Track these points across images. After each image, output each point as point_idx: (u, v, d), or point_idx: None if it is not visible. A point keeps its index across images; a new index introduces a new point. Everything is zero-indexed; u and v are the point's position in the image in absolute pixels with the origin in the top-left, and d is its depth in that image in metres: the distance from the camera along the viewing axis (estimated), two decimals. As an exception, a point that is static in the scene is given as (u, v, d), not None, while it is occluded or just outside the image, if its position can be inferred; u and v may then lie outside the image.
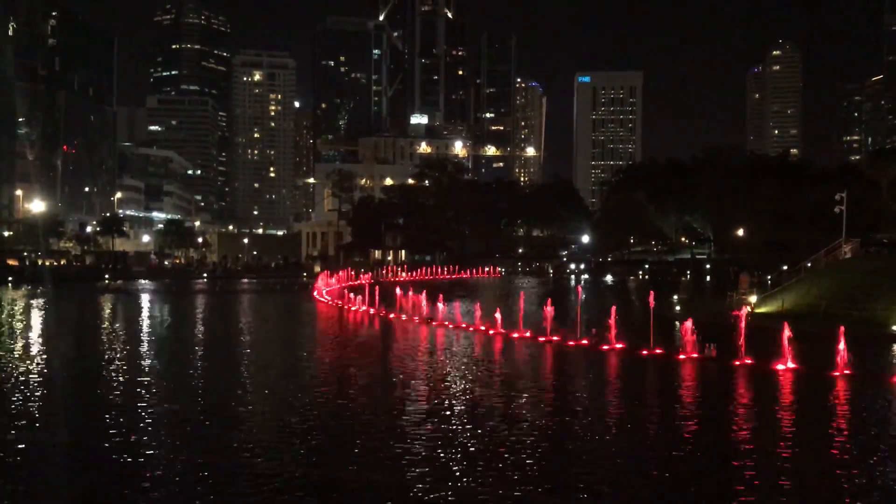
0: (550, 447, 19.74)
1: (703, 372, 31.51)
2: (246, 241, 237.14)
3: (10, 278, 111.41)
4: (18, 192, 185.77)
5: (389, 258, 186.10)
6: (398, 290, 58.79)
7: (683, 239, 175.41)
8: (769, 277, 63.31)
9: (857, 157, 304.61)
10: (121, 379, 30.29)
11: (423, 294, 55.75)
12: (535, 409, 24.26)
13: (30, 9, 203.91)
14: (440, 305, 51.35)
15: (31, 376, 29.98)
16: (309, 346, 41.93)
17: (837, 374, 29.60)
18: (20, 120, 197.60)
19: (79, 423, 22.64)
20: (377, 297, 60.68)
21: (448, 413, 23.44)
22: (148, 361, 34.98)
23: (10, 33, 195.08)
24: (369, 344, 43.20)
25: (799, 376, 30.12)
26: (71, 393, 27.33)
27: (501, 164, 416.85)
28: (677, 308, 58.65)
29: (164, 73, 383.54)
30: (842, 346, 29.96)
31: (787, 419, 23.50)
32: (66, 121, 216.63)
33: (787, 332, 31.62)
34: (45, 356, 36.58)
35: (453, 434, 20.72)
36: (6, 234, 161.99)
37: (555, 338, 40.45)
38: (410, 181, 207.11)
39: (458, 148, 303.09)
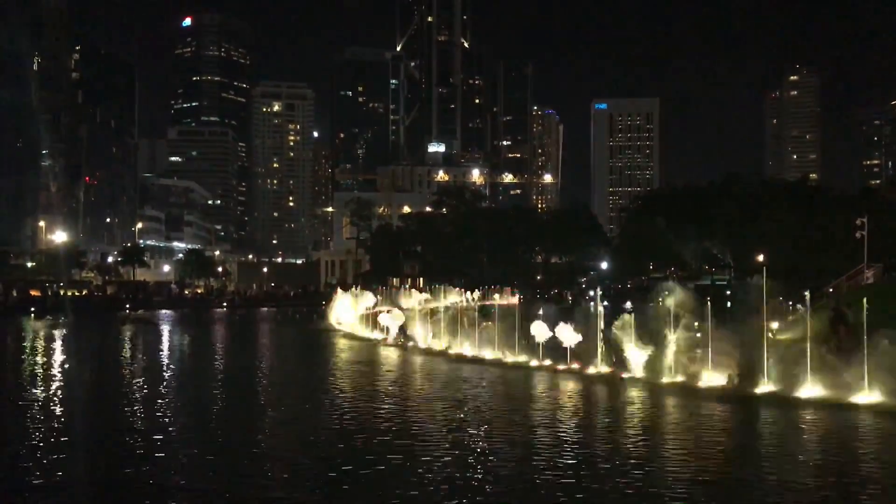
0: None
1: (725, 401, 31.26)
2: (265, 269, 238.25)
3: (32, 309, 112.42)
4: (41, 224, 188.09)
5: (408, 286, 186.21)
6: (417, 318, 58.81)
7: (704, 265, 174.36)
8: (790, 303, 62.67)
9: (878, 182, 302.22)
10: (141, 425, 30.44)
11: (441, 322, 55.65)
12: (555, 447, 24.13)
13: (54, 43, 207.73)
14: (459, 334, 51.29)
15: (51, 407, 30.18)
16: (329, 378, 41.99)
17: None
18: (44, 152, 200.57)
19: (101, 458, 22.73)
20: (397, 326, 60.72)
21: (466, 444, 23.32)
22: (170, 397, 35.12)
23: (35, 68, 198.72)
24: (389, 377, 43.13)
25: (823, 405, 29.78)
26: (87, 434, 26.53)
27: (519, 192, 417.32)
28: (698, 335, 58.14)
29: (185, 105, 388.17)
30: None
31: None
32: (89, 153, 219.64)
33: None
34: (66, 390, 36.84)
35: (474, 466, 20.63)
36: (29, 264, 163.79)
37: (575, 366, 40.30)
38: (428, 209, 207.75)
39: (476, 175, 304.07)
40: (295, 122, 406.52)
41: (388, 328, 60.37)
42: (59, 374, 42.14)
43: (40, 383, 37.81)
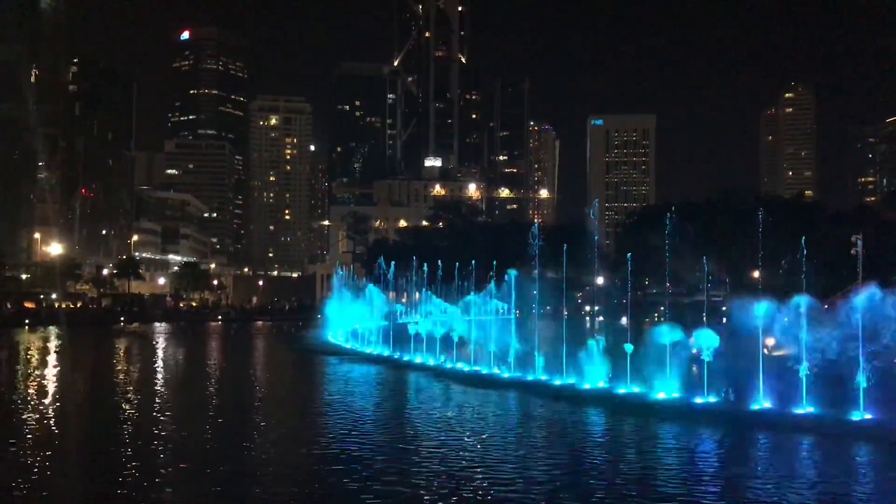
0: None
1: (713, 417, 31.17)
2: (261, 283, 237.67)
3: (27, 321, 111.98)
4: (37, 236, 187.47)
5: (403, 299, 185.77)
6: (414, 333, 58.77)
7: (699, 282, 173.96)
8: (786, 319, 62.58)
9: (873, 199, 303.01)
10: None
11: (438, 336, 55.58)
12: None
13: (52, 56, 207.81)
14: (454, 348, 51.22)
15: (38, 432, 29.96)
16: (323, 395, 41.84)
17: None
18: (40, 164, 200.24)
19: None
20: (392, 340, 60.65)
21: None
22: (162, 415, 34.94)
23: (33, 80, 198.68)
24: (384, 397, 42.96)
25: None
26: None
27: (515, 206, 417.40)
28: (693, 350, 58.08)
29: (182, 118, 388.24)
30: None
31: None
32: (85, 165, 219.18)
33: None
34: (52, 406, 36.60)
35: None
36: (24, 276, 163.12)
37: (570, 381, 40.20)
38: (425, 223, 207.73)
39: (472, 190, 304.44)
40: (292, 136, 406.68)
41: None
42: (46, 389, 41.88)
43: (27, 398, 37.55)
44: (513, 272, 56.43)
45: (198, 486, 20.33)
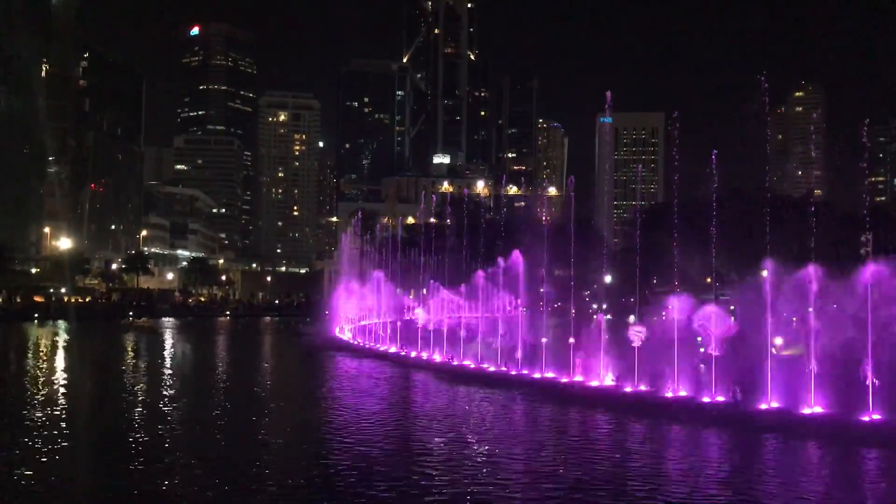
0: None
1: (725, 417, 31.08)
2: (269, 278, 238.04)
3: (35, 315, 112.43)
4: (46, 230, 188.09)
5: (411, 295, 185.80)
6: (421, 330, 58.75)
7: (707, 280, 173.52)
8: (794, 319, 62.28)
9: (883, 199, 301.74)
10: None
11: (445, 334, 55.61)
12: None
13: (62, 51, 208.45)
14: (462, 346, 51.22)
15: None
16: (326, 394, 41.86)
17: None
18: (50, 159, 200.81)
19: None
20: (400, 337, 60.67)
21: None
22: (166, 411, 34.99)
23: (43, 75, 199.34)
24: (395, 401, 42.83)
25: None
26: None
27: (523, 204, 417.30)
28: (701, 350, 57.87)
29: (191, 114, 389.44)
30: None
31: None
32: (95, 160, 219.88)
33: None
34: (59, 400, 36.68)
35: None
36: (33, 271, 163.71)
37: (578, 378, 40.16)
38: (432, 220, 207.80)
39: (480, 187, 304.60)
40: (301, 132, 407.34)
41: None
42: (54, 381, 42.02)
43: (35, 390, 37.69)
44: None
45: (202, 481, 20.37)
